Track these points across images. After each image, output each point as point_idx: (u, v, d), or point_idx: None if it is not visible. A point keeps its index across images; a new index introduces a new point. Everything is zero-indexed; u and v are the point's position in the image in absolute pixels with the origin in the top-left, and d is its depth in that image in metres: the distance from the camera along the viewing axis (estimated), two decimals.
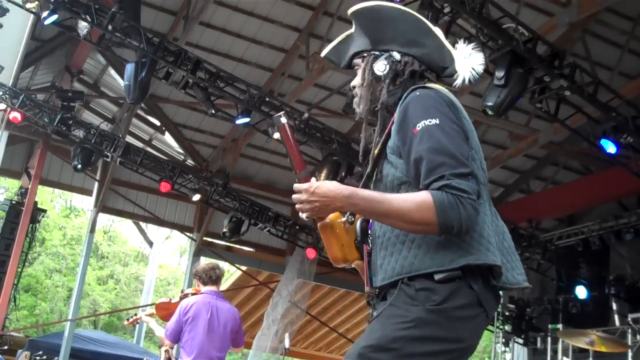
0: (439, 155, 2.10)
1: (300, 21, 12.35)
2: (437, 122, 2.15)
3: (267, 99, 11.35)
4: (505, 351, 14.71)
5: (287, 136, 2.30)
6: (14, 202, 16.18)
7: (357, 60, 2.48)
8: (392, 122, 2.29)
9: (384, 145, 2.32)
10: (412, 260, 2.17)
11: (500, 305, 8.58)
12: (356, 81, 2.48)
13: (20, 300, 24.75)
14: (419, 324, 2.09)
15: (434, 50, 2.38)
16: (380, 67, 2.38)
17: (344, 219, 2.34)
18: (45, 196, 30.57)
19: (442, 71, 2.38)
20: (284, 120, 2.31)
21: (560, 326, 11.35)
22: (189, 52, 10.58)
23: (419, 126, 2.16)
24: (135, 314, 6.85)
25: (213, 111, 10.93)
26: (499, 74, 7.57)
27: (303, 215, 2.24)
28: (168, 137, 16.24)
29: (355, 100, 2.50)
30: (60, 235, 34.00)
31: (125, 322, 7.21)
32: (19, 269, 15.89)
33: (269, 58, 13.25)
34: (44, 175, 15.61)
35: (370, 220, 2.38)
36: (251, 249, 17.17)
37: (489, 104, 7.68)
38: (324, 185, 2.18)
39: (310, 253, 14.49)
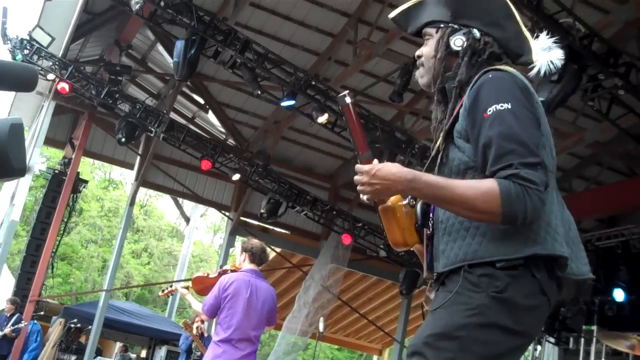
0: (508, 142, 2.04)
1: (350, 6, 12.29)
2: (509, 106, 2.08)
3: (313, 83, 11.35)
4: (535, 349, 14.60)
5: (351, 116, 2.23)
6: (56, 171, 16.43)
7: (430, 30, 2.38)
8: (461, 105, 2.22)
9: (451, 127, 2.24)
10: (477, 247, 2.12)
11: None
12: (424, 51, 2.38)
13: (56, 268, 25.22)
14: (483, 310, 2.06)
15: (513, 36, 2.32)
16: (458, 42, 2.28)
17: (405, 202, 2.30)
18: (85, 167, 30.99)
19: (517, 58, 2.31)
20: (348, 100, 2.23)
21: (594, 328, 11.22)
22: (238, 32, 10.61)
23: (489, 110, 2.09)
24: (171, 286, 6.88)
25: (259, 92, 10.97)
26: None
27: (364, 198, 2.20)
28: (211, 116, 16.35)
29: (420, 71, 2.41)
30: (97, 206, 34.49)
31: (160, 293, 7.26)
32: (58, 238, 16.15)
33: (316, 42, 13.23)
34: (87, 147, 15.82)
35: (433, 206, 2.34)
36: (286, 232, 17.26)
37: (541, 99, 7.51)
38: (386, 168, 2.14)
39: (346, 239, 14.49)
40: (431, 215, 2.31)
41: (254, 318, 5.44)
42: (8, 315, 12.41)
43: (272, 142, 15.36)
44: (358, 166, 2.19)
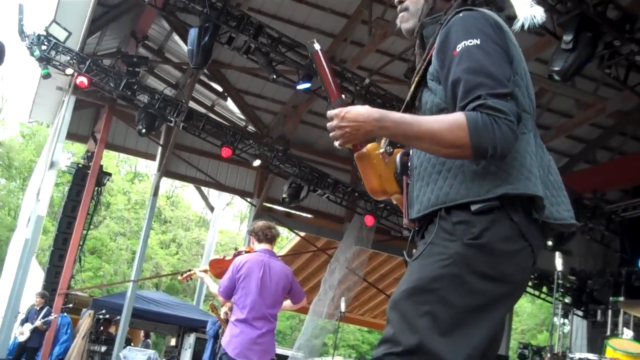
0: (476, 76, 2.01)
1: None
2: (478, 42, 2.05)
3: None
4: (564, 323, 14.54)
5: (320, 63, 2.19)
6: (80, 165, 16.60)
7: None
8: (433, 47, 2.20)
9: (425, 72, 2.23)
10: (447, 190, 2.09)
11: (559, 275, 8.42)
12: None
13: (86, 262, 25.45)
14: (457, 260, 2.01)
15: None
16: None
17: (381, 150, 2.27)
18: (110, 161, 31.30)
19: (499, 12, 2.25)
20: (317, 46, 2.19)
21: (622, 299, 11.15)
22: (251, 17, 10.61)
23: (459, 47, 2.06)
24: (190, 270, 6.93)
25: (274, 76, 10.97)
26: (567, 37, 7.36)
27: (336, 143, 2.16)
28: (230, 103, 16.39)
29: (404, 15, 2.38)
30: (124, 199, 34.81)
31: (179, 277, 7.32)
32: (85, 231, 16.33)
33: (331, 23, 13.19)
34: (109, 140, 15.95)
35: (410, 153, 2.31)
36: (310, 215, 17.31)
37: (556, 68, 7.49)
38: (355, 109, 2.10)
39: (369, 220, 14.50)
40: (409, 164, 2.29)
41: (269, 297, 5.48)
42: (38, 308, 12.61)
43: (292, 126, 15.37)
44: (329, 112, 2.15)
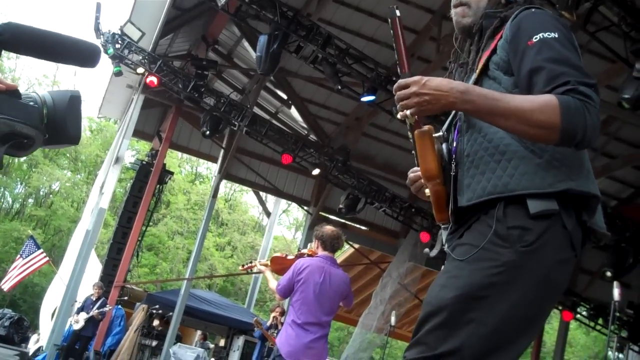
0: (561, 65, 1.97)
1: (434, 2, 12.21)
2: (556, 36, 2.03)
3: (394, 79, 11.35)
4: (618, 358, 14.19)
5: (397, 30, 2.14)
6: (144, 162, 16.98)
7: None
8: (499, 38, 2.16)
9: (487, 61, 2.18)
10: (507, 180, 2.01)
11: (616, 306, 8.20)
12: None
13: (143, 258, 25.96)
14: (510, 268, 1.95)
15: None
16: None
17: (439, 134, 2.18)
18: (172, 161, 31.86)
19: None
20: (397, 13, 2.13)
21: None
22: (320, 27, 10.72)
23: (535, 38, 2.03)
24: (251, 262, 7.00)
25: (339, 87, 11.05)
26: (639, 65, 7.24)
27: (407, 112, 2.03)
28: (293, 111, 16.54)
29: (463, 11, 2.34)
30: (184, 199, 35.41)
31: (240, 268, 7.38)
32: (144, 227, 16.66)
33: None
34: (174, 140, 16.27)
35: (454, 143, 2.23)
36: (365, 228, 17.30)
37: (626, 96, 7.37)
38: (437, 79, 2.01)
39: (425, 237, 14.42)
40: (453, 155, 2.21)
41: (326, 304, 5.53)
42: (94, 298, 12.92)
43: (353, 138, 15.42)
44: (403, 80, 2.04)
